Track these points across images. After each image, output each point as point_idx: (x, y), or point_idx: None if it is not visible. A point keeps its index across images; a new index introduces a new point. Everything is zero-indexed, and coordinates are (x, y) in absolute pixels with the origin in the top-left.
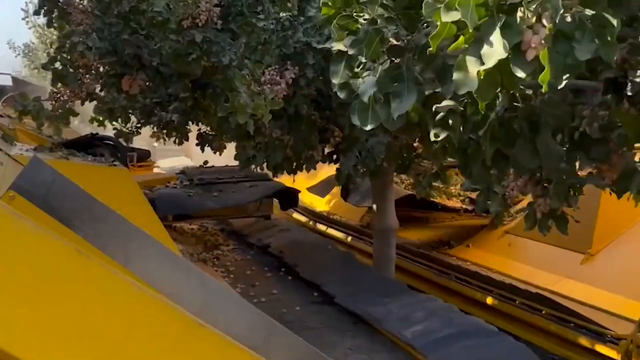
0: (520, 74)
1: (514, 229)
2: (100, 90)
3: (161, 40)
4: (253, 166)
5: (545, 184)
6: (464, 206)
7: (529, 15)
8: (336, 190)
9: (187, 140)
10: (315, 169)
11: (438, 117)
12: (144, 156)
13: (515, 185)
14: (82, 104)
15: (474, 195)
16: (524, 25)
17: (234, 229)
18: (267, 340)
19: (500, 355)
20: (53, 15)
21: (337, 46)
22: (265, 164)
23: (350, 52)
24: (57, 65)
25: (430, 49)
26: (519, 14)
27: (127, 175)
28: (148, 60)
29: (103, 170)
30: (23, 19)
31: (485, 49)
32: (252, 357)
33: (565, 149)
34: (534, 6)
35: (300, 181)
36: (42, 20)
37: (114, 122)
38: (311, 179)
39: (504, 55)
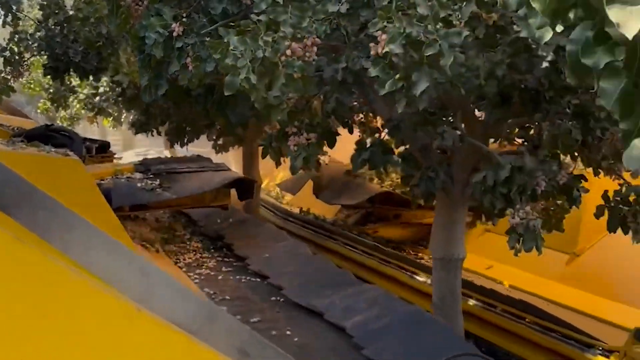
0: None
1: (496, 227)
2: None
3: (79, 31)
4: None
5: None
6: None
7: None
8: (308, 187)
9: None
10: (215, 139)
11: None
12: (104, 147)
13: (293, 141)
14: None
15: None
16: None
17: (192, 219)
18: (207, 326)
19: (435, 345)
20: (7, 19)
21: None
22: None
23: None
24: (7, 53)
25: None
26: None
27: (80, 166)
28: (74, 57)
29: (54, 161)
30: None
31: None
32: (190, 341)
33: None
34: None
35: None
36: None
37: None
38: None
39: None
